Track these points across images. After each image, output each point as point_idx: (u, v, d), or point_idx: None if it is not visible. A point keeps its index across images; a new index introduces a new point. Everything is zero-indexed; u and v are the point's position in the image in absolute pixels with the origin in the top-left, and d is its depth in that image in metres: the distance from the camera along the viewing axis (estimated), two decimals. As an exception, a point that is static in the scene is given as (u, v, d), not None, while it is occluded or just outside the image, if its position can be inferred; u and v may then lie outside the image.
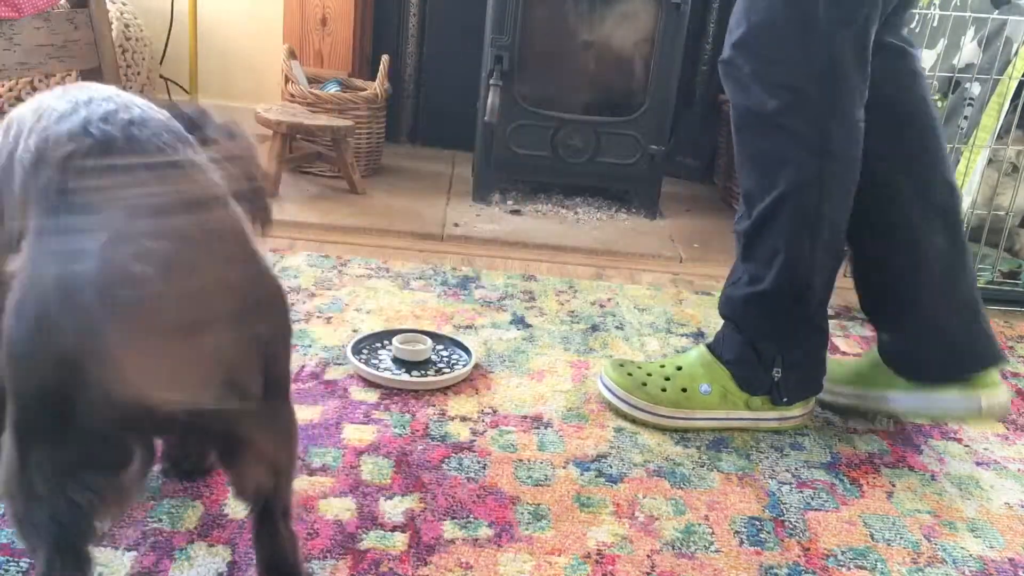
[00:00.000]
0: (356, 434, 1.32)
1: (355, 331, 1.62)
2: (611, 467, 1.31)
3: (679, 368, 1.46)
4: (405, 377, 1.46)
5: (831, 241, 1.36)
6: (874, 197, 1.37)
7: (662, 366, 1.47)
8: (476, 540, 1.12)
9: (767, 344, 1.41)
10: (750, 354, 1.42)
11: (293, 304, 1.71)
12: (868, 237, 1.42)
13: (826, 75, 1.28)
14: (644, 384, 1.43)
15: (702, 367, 1.45)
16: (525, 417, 1.41)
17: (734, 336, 1.44)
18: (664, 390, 1.43)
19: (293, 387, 1.40)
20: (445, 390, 1.46)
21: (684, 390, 1.43)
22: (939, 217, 1.38)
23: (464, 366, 1.51)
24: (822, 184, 1.32)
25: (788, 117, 1.30)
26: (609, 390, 1.45)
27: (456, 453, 1.30)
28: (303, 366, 1.48)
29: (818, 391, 1.48)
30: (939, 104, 2.22)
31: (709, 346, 1.47)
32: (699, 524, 1.20)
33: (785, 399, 1.43)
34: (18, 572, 1.00)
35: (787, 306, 1.39)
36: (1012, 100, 1.98)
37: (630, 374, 1.45)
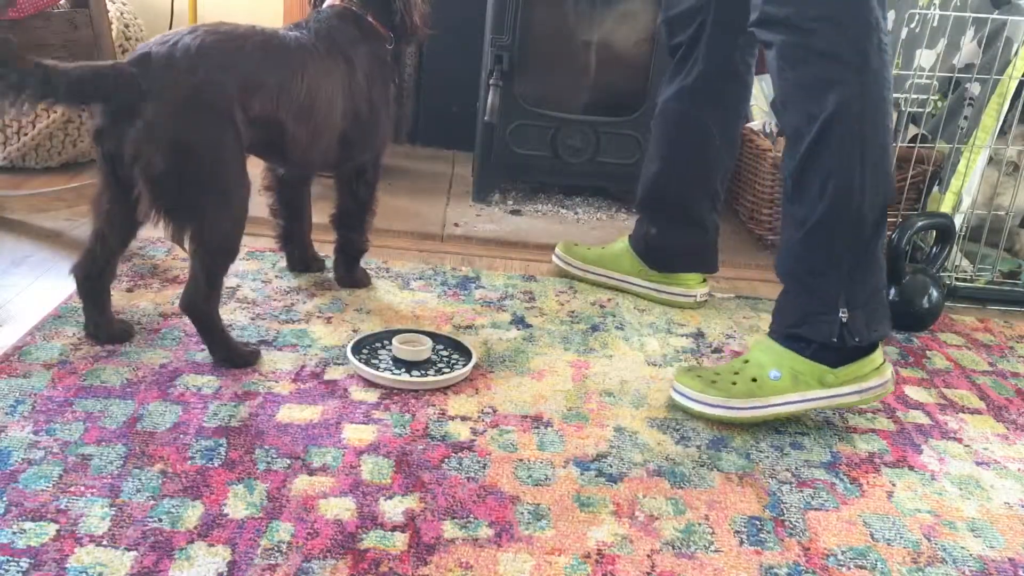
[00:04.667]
0: (356, 434, 1.32)
1: (355, 331, 1.62)
2: (611, 467, 1.31)
3: (746, 361, 1.47)
4: (405, 377, 1.46)
5: (878, 164, 1.39)
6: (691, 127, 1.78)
7: (729, 365, 1.49)
8: (476, 540, 1.12)
9: (827, 283, 1.41)
10: (813, 304, 1.42)
11: (293, 304, 1.71)
12: (671, 153, 1.81)
13: (855, 2, 1.35)
14: (714, 382, 1.44)
15: (766, 354, 1.45)
16: (525, 417, 1.41)
17: (794, 295, 1.45)
18: (734, 383, 1.43)
19: (293, 386, 1.41)
20: (445, 390, 1.46)
21: (754, 379, 1.43)
22: (731, 150, 1.83)
23: (464, 366, 1.51)
24: (864, 101, 1.36)
25: (831, 43, 1.35)
26: (683, 395, 1.45)
27: (456, 453, 1.30)
28: (303, 366, 1.49)
29: (887, 331, 1.49)
30: (939, 104, 2.22)
31: (769, 335, 1.49)
32: (699, 524, 1.20)
33: (857, 339, 1.42)
34: (18, 572, 1.00)
35: (842, 233, 1.39)
36: (1012, 100, 1.98)
37: (699, 376, 1.46)
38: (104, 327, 1.49)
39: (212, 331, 1.45)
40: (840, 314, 1.41)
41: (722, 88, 1.75)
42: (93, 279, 1.46)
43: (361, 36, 1.64)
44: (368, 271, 1.86)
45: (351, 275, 1.80)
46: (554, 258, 1.99)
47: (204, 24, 1.42)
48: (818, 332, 1.42)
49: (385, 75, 1.69)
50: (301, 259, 1.84)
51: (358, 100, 1.62)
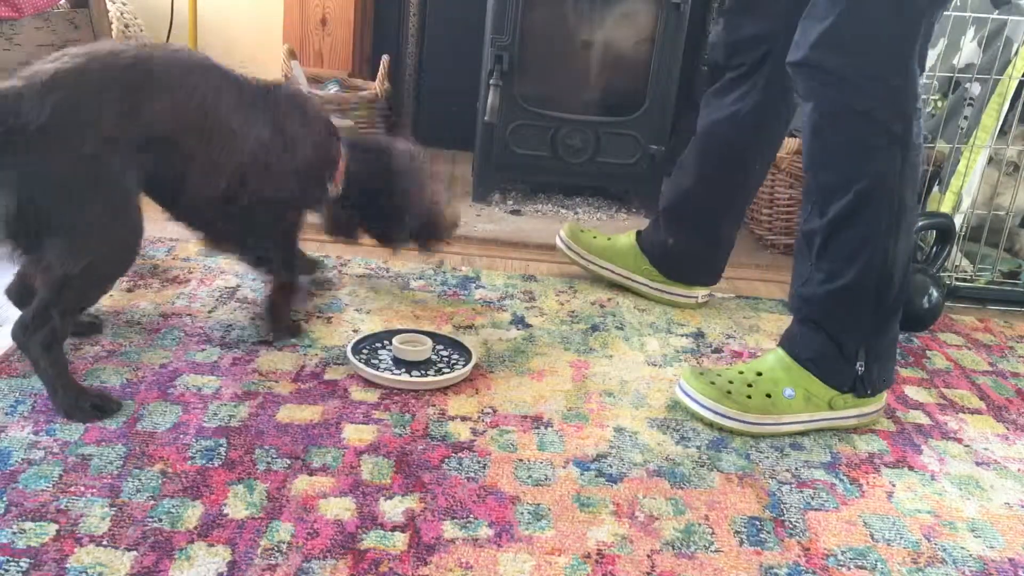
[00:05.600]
0: (356, 434, 1.32)
1: (355, 331, 1.62)
2: (611, 467, 1.31)
3: (759, 373, 1.46)
4: (405, 377, 1.46)
5: (908, 231, 1.40)
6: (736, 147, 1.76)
7: (741, 372, 1.48)
8: (476, 540, 1.12)
9: (850, 338, 1.43)
10: (832, 350, 1.44)
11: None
12: (712, 168, 1.79)
13: (909, 66, 1.32)
14: (729, 392, 1.43)
15: (783, 371, 1.45)
16: (525, 417, 1.41)
17: (813, 334, 1.45)
18: (750, 397, 1.43)
19: (293, 386, 1.41)
20: (445, 390, 1.46)
21: (768, 396, 1.43)
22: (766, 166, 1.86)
23: (464, 366, 1.51)
24: (904, 172, 1.35)
25: (878, 109, 1.33)
26: (694, 400, 1.45)
27: (456, 453, 1.30)
28: (303, 366, 1.49)
29: (893, 381, 1.52)
30: (939, 104, 2.22)
31: (783, 347, 1.48)
32: (699, 524, 1.20)
33: (869, 391, 1.45)
34: (18, 572, 1.00)
35: (871, 298, 1.41)
36: (1012, 100, 1.98)
37: (712, 382, 1.45)
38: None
39: (58, 379, 1.28)
40: (857, 366, 1.43)
41: (776, 116, 1.73)
42: (25, 295, 1.39)
43: (304, 122, 1.53)
44: (360, 277, 1.83)
45: (272, 312, 1.58)
46: (558, 240, 1.96)
47: (102, 45, 1.35)
48: (832, 379, 1.44)
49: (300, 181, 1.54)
50: None
51: (265, 150, 1.46)
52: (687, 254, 1.86)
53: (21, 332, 1.27)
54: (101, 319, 1.55)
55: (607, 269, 1.92)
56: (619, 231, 2.31)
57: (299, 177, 1.54)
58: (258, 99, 1.47)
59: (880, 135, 1.34)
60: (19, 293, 1.43)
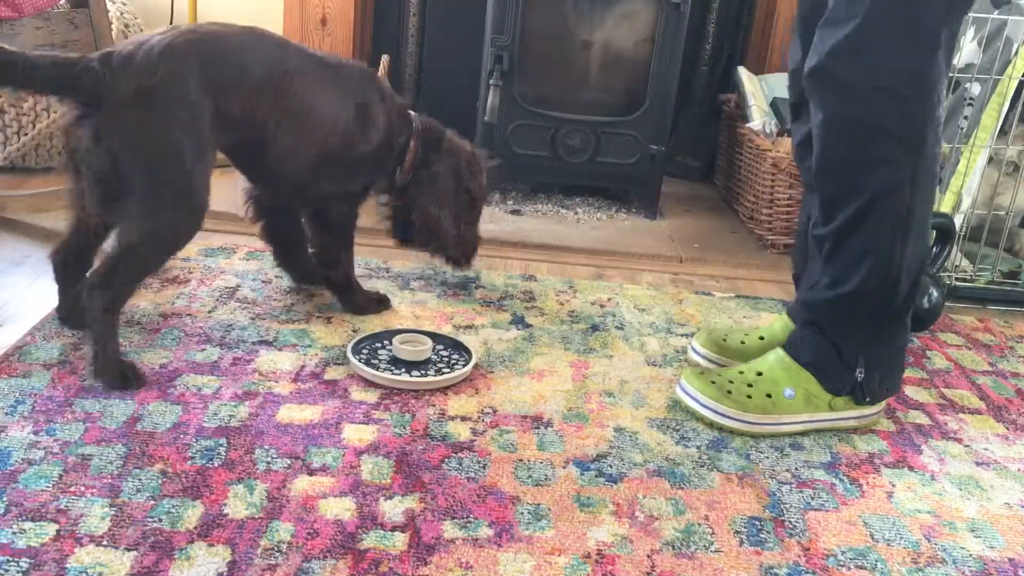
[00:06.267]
0: (356, 434, 1.32)
1: (355, 331, 1.62)
2: (611, 467, 1.31)
3: (759, 374, 1.46)
4: (405, 377, 1.46)
5: (919, 239, 1.39)
6: None
7: (741, 372, 1.47)
8: (476, 540, 1.12)
9: (850, 344, 1.43)
10: (832, 355, 1.44)
11: (293, 304, 1.71)
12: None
13: (924, 76, 1.30)
14: (729, 392, 1.43)
15: (783, 371, 1.45)
16: (525, 417, 1.41)
17: (814, 338, 1.45)
18: (750, 397, 1.43)
19: (293, 386, 1.41)
20: (445, 390, 1.46)
21: (769, 396, 1.43)
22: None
23: (464, 366, 1.51)
24: (914, 184, 1.34)
25: (889, 120, 1.31)
26: (694, 399, 1.45)
27: (456, 453, 1.30)
28: (303, 366, 1.49)
29: (898, 388, 1.52)
30: (939, 104, 2.22)
31: (785, 348, 1.48)
32: (699, 524, 1.20)
33: (868, 399, 1.45)
34: (18, 572, 1.00)
35: (874, 306, 1.40)
36: (1012, 100, 1.98)
37: (713, 382, 1.45)
38: (74, 314, 1.48)
39: (104, 341, 1.35)
40: (857, 373, 1.43)
41: None
42: (68, 266, 1.48)
43: (381, 98, 1.63)
44: (360, 277, 1.82)
45: (349, 303, 1.71)
46: (695, 356, 1.65)
47: (185, 25, 1.43)
48: (831, 383, 1.44)
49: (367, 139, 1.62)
50: (304, 275, 1.78)
51: (349, 129, 1.57)
52: None
53: (88, 291, 1.32)
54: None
55: None
56: (619, 231, 2.32)
57: (371, 162, 1.64)
58: (340, 79, 1.56)
59: (888, 148, 1.32)
60: (62, 258, 1.47)
